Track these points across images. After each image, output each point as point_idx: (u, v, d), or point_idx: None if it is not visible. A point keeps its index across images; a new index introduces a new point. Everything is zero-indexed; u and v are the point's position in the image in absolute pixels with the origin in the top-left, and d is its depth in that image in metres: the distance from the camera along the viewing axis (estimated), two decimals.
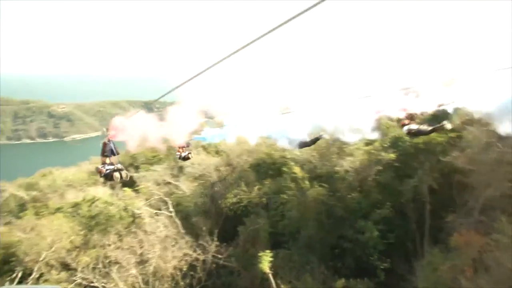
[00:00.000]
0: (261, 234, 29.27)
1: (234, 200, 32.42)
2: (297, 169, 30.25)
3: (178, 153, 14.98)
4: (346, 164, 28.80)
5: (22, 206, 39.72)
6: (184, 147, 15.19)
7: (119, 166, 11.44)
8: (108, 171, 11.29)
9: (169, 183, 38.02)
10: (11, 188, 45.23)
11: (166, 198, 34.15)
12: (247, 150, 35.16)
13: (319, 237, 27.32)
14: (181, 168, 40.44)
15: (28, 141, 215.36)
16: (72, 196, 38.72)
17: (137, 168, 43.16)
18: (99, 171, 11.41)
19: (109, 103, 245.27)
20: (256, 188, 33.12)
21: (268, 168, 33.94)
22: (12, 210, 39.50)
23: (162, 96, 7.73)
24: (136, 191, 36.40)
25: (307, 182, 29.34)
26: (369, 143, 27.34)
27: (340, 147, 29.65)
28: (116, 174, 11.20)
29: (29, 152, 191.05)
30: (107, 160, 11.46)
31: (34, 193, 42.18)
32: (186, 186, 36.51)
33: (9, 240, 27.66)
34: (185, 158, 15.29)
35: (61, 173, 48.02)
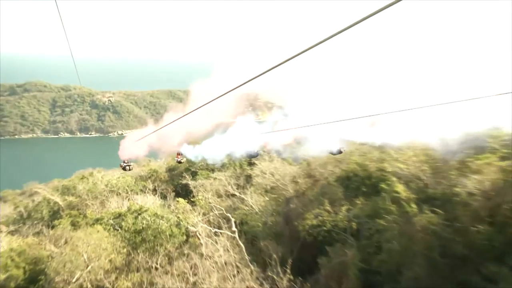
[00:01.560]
0: (349, 270, 27.36)
1: (315, 222, 30.87)
2: (400, 187, 27.91)
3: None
4: (470, 184, 25.91)
5: (56, 214, 41.36)
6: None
7: None
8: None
9: (233, 195, 37.56)
10: (45, 190, 46.96)
11: (228, 214, 33.53)
12: (334, 159, 33.40)
13: (429, 281, 24.88)
14: (248, 178, 39.87)
15: (67, 135, 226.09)
16: (115, 205, 40.30)
17: (194, 174, 43.12)
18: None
19: (163, 92, 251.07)
20: (343, 208, 31.37)
21: (361, 183, 31.91)
22: (44, 218, 40.85)
23: (221, 95, 8.35)
24: (192, 203, 36.84)
25: (414, 206, 26.92)
26: (506, 156, 24.56)
27: (462, 161, 26.97)
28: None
29: (67, 148, 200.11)
30: None
31: (70, 198, 43.41)
32: (254, 201, 36.29)
33: (38, 254, 28.30)
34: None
35: (104, 176, 48.96)
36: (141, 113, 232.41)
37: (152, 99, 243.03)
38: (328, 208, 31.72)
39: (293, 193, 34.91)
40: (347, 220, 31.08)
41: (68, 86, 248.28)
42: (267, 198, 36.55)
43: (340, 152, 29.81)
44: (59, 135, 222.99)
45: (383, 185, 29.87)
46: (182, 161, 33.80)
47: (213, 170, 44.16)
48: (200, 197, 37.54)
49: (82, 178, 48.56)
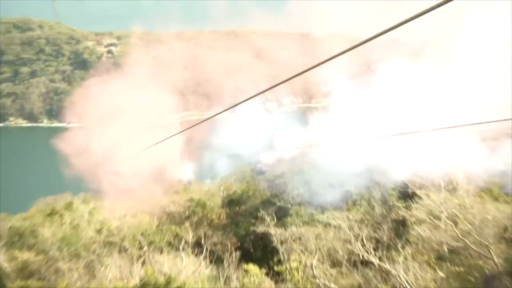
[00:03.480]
0: None
1: None
2: None
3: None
4: None
5: None
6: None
7: None
8: None
9: (367, 263, 23.51)
10: None
11: None
12: None
13: None
14: (401, 225, 25.52)
15: (23, 123, 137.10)
16: (116, 274, 25.52)
17: (281, 213, 28.71)
18: None
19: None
20: None
21: None
22: None
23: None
24: (277, 275, 24.11)
25: None
26: None
27: None
28: None
29: (23, 145, 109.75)
30: None
31: (26, 255, 28.01)
32: (412, 277, 21.51)
33: None
34: None
35: (94, 209, 31.70)
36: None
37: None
38: None
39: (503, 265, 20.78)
40: None
41: (30, 20, 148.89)
42: (442, 274, 21.74)
43: None
44: (6, 122, 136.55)
45: None
46: (263, 170, 29.08)
47: (322, 209, 27.99)
48: (294, 264, 24.24)
49: (50, 214, 31.23)
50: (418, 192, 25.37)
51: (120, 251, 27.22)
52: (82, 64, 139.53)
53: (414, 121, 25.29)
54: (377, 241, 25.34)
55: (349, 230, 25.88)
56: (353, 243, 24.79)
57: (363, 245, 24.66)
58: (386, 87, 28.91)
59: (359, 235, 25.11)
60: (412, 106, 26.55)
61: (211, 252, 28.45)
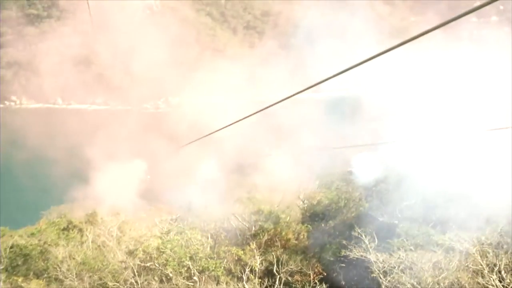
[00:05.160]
0: None
1: None
2: None
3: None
4: None
5: None
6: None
7: None
8: None
9: None
10: None
11: None
12: None
13: None
14: None
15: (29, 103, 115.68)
16: None
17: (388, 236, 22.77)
18: None
19: None
20: None
21: None
22: None
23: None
24: None
25: None
26: None
27: None
28: None
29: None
30: None
31: (33, 286, 22.77)
32: None
33: None
34: None
35: (127, 223, 27.28)
36: None
37: None
38: None
39: None
40: None
41: None
42: None
43: None
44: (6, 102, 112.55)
45: None
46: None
47: (442, 228, 22.36)
48: None
49: (65, 229, 27.23)
50: None
51: (161, 281, 22.22)
52: None
53: None
54: None
55: (481, 257, 20.78)
56: (487, 275, 20.22)
57: (501, 279, 20.17)
58: None
59: (495, 265, 20.38)
60: None
61: (287, 284, 23.22)
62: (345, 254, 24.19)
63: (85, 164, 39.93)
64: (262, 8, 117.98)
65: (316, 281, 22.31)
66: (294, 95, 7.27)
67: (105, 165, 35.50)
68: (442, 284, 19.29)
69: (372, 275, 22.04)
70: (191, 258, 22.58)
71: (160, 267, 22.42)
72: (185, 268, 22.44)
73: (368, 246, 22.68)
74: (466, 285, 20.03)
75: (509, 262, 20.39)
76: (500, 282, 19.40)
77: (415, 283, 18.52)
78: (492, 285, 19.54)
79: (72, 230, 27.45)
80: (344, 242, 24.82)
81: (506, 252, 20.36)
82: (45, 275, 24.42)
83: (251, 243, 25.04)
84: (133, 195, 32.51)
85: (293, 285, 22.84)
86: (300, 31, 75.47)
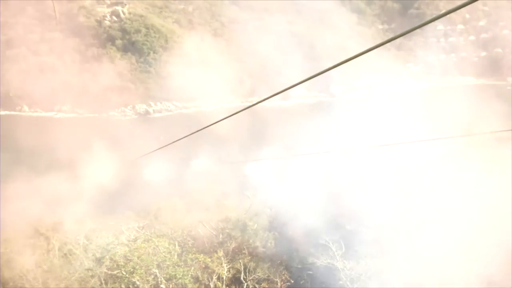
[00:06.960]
0: None
1: None
2: None
3: None
4: None
5: None
6: None
7: None
8: None
9: None
10: None
11: None
12: None
13: None
14: None
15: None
16: None
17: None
18: None
19: None
20: None
21: None
22: None
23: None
24: None
25: None
26: None
27: None
28: None
29: None
30: None
31: None
32: None
33: None
34: None
35: (90, 227, 26.75)
36: None
37: None
38: None
39: None
40: None
41: None
42: None
43: None
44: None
45: None
46: None
47: None
48: None
49: (31, 238, 26.18)
50: None
51: None
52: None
53: None
54: None
55: None
56: None
57: None
58: None
59: None
60: None
61: None
62: (312, 261, 23.90)
63: (48, 170, 39.52)
64: (230, 16, 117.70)
65: None
66: (259, 102, 7.54)
67: (70, 170, 34.90)
68: None
69: (339, 282, 21.92)
70: (158, 266, 22.39)
71: (127, 275, 21.91)
72: (152, 276, 22.20)
73: (335, 253, 22.53)
74: None
75: None
76: None
77: None
78: None
79: (38, 238, 26.05)
80: (312, 250, 24.33)
81: None
82: (11, 284, 23.37)
83: (218, 251, 24.58)
84: (95, 202, 31.83)
85: None
86: (268, 39, 75.24)
